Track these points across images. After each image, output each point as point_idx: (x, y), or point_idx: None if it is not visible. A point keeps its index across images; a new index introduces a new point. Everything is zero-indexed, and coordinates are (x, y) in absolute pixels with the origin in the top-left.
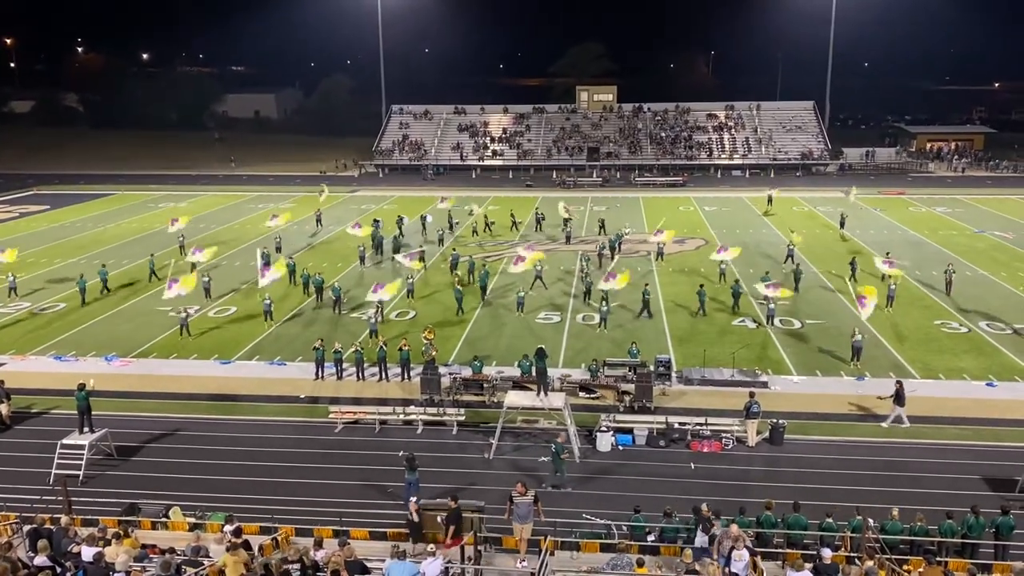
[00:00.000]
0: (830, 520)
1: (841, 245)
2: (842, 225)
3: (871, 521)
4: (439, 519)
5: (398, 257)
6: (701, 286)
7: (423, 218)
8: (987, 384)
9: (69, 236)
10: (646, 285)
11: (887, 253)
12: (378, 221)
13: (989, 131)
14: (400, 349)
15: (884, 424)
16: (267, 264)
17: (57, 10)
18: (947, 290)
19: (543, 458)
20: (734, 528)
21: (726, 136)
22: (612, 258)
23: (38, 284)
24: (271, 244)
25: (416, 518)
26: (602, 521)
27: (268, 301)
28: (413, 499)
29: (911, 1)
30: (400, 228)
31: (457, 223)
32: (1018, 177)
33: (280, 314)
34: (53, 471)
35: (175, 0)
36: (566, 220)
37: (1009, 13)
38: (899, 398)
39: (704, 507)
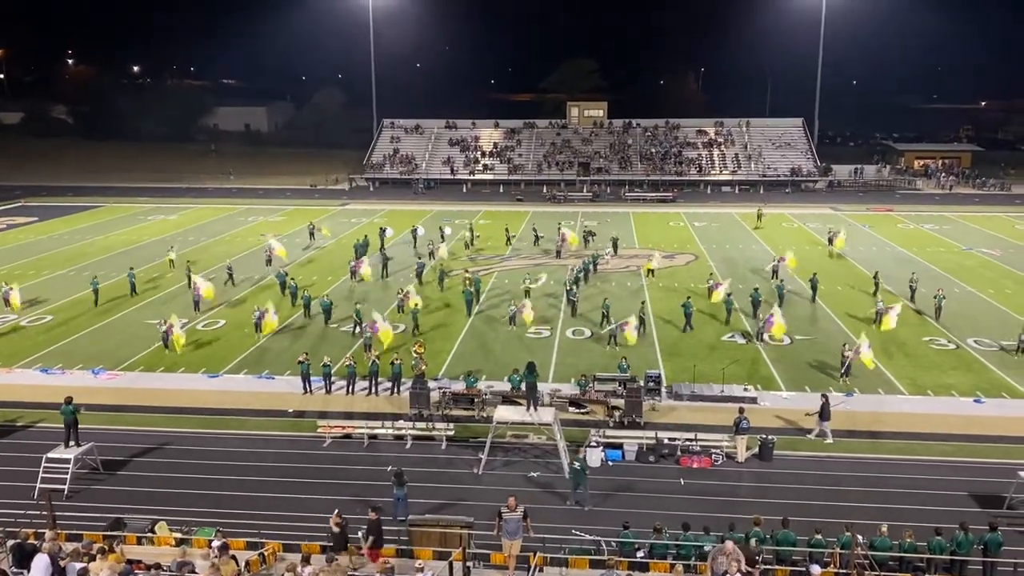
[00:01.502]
0: (819, 536)
1: (830, 262)
2: (830, 242)
3: (860, 537)
4: (360, 532)
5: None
6: (729, 294)
7: (414, 231)
8: (975, 400)
9: (57, 248)
10: (688, 298)
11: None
12: (384, 229)
13: (976, 149)
14: (392, 363)
15: (810, 436)
16: (282, 285)
17: (47, 21)
18: (936, 316)
19: (533, 474)
20: (728, 545)
21: (716, 152)
22: (587, 280)
23: (25, 296)
24: (261, 258)
25: (336, 530)
26: (591, 537)
27: (258, 312)
28: (336, 511)
29: (899, 20)
30: (415, 237)
31: (478, 236)
32: (1005, 195)
33: (268, 327)
34: (38, 485)
35: (166, 13)
36: (586, 235)
37: (996, 33)
38: (824, 413)
39: (753, 543)
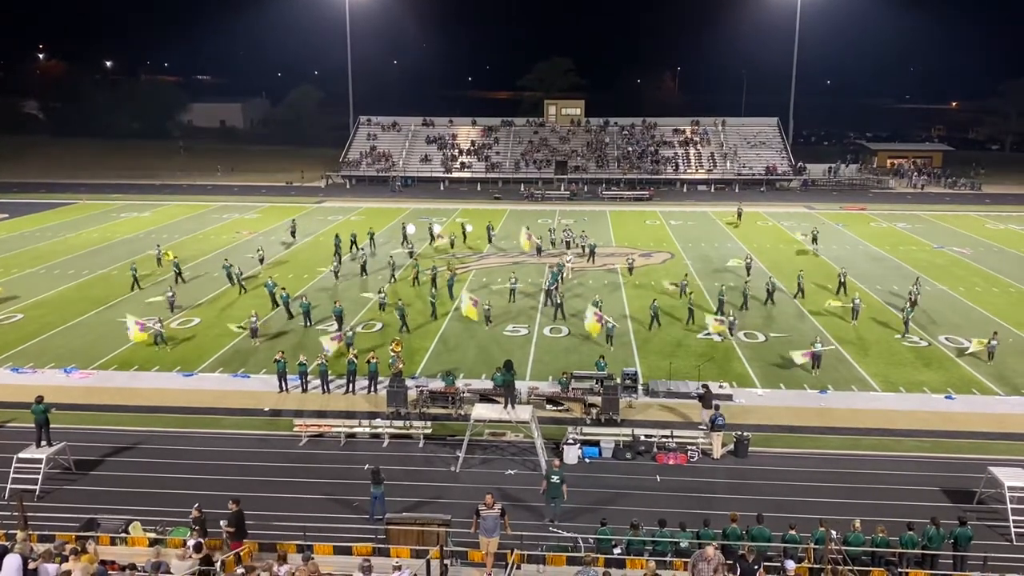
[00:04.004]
0: (793, 532)
1: (811, 261)
2: (814, 241)
3: (834, 533)
4: (221, 523)
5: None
6: (735, 285)
7: (416, 227)
8: (946, 397)
9: (28, 245)
10: (727, 287)
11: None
12: (406, 226)
13: (947, 149)
14: (368, 362)
15: (700, 427)
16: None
17: (18, 16)
18: (905, 328)
19: (510, 471)
20: (709, 550)
21: (692, 151)
22: (558, 289)
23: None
24: (253, 258)
25: (195, 525)
26: (568, 534)
27: (254, 318)
28: (196, 504)
29: (873, 22)
30: (431, 232)
31: (492, 235)
32: (975, 194)
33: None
34: (9, 486)
35: (139, 8)
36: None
37: (967, 35)
38: (705, 401)
39: (745, 548)
